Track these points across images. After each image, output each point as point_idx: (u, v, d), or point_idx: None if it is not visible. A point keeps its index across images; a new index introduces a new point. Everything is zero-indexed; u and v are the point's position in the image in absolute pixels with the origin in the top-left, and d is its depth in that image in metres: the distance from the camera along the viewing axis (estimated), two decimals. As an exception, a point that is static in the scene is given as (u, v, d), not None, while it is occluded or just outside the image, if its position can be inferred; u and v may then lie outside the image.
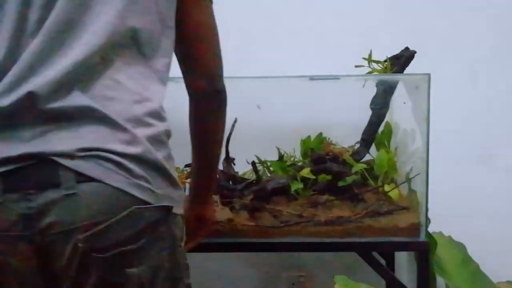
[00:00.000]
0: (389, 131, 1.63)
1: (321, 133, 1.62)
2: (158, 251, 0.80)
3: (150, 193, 0.78)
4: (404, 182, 1.57)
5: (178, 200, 0.85)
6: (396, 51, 1.57)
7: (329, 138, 1.62)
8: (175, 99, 1.83)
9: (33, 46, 0.76)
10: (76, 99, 0.76)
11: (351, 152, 1.57)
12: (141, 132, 0.79)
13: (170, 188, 0.82)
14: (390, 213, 1.50)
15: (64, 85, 0.76)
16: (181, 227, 0.86)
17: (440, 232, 1.61)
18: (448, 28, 1.82)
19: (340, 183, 1.51)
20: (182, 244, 0.85)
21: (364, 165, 1.54)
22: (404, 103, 1.59)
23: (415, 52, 1.53)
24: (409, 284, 1.60)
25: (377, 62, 1.56)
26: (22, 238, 0.74)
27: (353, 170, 1.53)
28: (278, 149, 1.59)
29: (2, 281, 0.77)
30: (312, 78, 1.52)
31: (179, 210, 0.85)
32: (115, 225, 0.74)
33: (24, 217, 0.73)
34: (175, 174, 0.85)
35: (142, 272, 0.77)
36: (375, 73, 1.56)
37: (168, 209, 0.81)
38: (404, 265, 1.86)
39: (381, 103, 1.55)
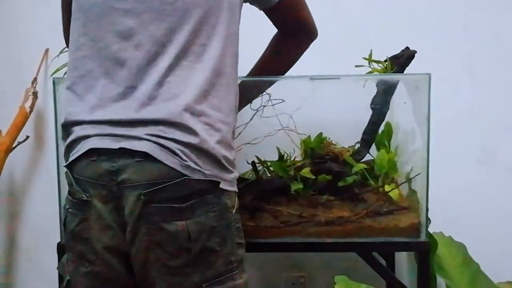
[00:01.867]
0: (389, 131, 1.62)
1: (321, 133, 1.62)
2: (205, 212, 1.02)
3: (199, 172, 1.02)
4: (405, 182, 1.56)
5: (229, 180, 1.08)
6: (396, 51, 1.56)
7: (329, 138, 1.62)
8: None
9: None
10: None
11: (351, 152, 1.57)
12: (199, 122, 1.02)
13: (218, 170, 1.05)
14: (391, 213, 1.50)
15: None
16: (233, 199, 1.10)
17: (441, 232, 1.61)
18: (448, 28, 1.82)
19: (340, 183, 1.51)
20: (234, 211, 1.10)
21: (364, 165, 1.54)
22: (405, 103, 1.58)
23: (415, 52, 1.53)
24: (410, 285, 1.60)
25: (377, 62, 1.55)
26: (105, 186, 1.02)
27: (353, 170, 1.52)
28: (278, 149, 1.59)
29: (88, 217, 1.05)
30: (312, 78, 1.52)
31: (230, 187, 1.08)
32: (168, 187, 0.99)
33: (108, 172, 1.02)
34: (228, 158, 1.07)
35: (189, 225, 1.00)
36: (375, 73, 1.56)
37: (214, 184, 1.04)
38: (405, 265, 1.86)
39: (381, 103, 1.55)
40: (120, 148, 1.01)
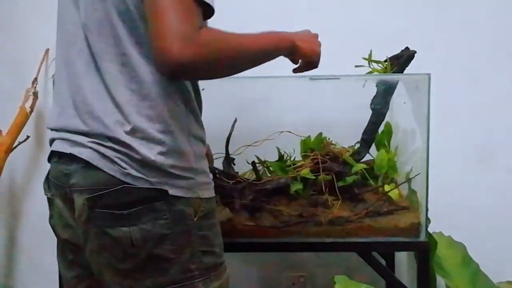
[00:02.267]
0: (389, 131, 1.63)
1: (321, 133, 1.62)
2: (152, 220, 1.00)
3: (143, 180, 1.00)
4: (404, 182, 1.57)
5: (185, 186, 1.03)
6: (396, 51, 1.56)
7: (329, 138, 1.63)
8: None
9: None
10: None
11: (351, 152, 1.57)
12: (135, 139, 1.00)
13: (167, 178, 1.01)
14: (390, 213, 1.51)
15: None
16: (196, 206, 1.05)
17: (440, 232, 1.61)
18: (448, 28, 1.82)
19: (340, 183, 1.51)
20: (196, 218, 1.05)
21: (364, 165, 1.54)
22: (404, 103, 1.59)
23: (415, 52, 1.53)
24: (409, 284, 1.60)
25: (377, 62, 1.56)
26: (62, 187, 1.06)
27: (353, 170, 1.53)
28: (278, 149, 1.59)
29: (53, 214, 1.12)
30: (312, 78, 1.52)
31: (189, 194, 1.04)
32: (109, 194, 1.00)
33: (63, 174, 1.05)
34: (180, 166, 1.02)
35: (132, 231, 1.00)
36: (375, 73, 1.56)
37: (162, 191, 1.01)
38: (404, 265, 1.87)
39: (381, 103, 1.55)
40: (71, 153, 1.04)
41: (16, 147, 1.83)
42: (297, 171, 1.52)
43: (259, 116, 1.75)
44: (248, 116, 1.65)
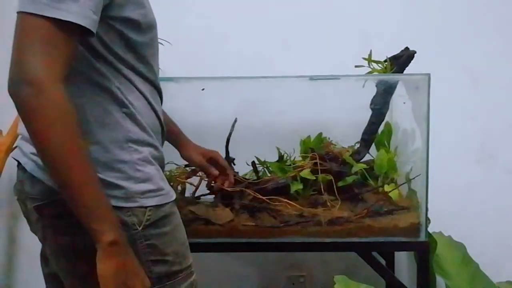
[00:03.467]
0: (389, 131, 1.63)
1: (321, 133, 1.62)
2: None
3: None
4: (404, 183, 1.57)
5: (123, 197, 1.01)
6: (396, 51, 1.57)
7: (329, 138, 1.63)
8: (175, 99, 1.84)
9: None
10: None
11: (351, 152, 1.57)
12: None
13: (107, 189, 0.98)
14: (390, 213, 1.51)
15: None
16: (141, 215, 1.02)
17: (440, 232, 1.61)
18: (448, 28, 1.82)
19: (340, 183, 1.51)
20: (141, 227, 1.02)
21: (364, 165, 1.54)
22: (404, 103, 1.59)
23: (415, 52, 1.53)
24: (409, 284, 1.60)
25: (377, 62, 1.56)
26: (22, 192, 1.08)
27: (353, 170, 1.53)
28: (278, 149, 1.59)
29: (23, 213, 1.13)
30: (312, 78, 1.52)
31: (131, 204, 1.02)
32: (51, 204, 1.01)
33: (20, 181, 1.08)
34: (113, 177, 1.01)
35: (76, 240, 1.00)
36: (375, 73, 1.56)
37: None
38: (404, 265, 1.87)
39: (381, 103, 1.55)
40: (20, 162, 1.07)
41: (16, 147, 1.82)
42: (298, 171, 1.52)
43: (259, 116, 1.75)
44: (248, 116, 1.65)
